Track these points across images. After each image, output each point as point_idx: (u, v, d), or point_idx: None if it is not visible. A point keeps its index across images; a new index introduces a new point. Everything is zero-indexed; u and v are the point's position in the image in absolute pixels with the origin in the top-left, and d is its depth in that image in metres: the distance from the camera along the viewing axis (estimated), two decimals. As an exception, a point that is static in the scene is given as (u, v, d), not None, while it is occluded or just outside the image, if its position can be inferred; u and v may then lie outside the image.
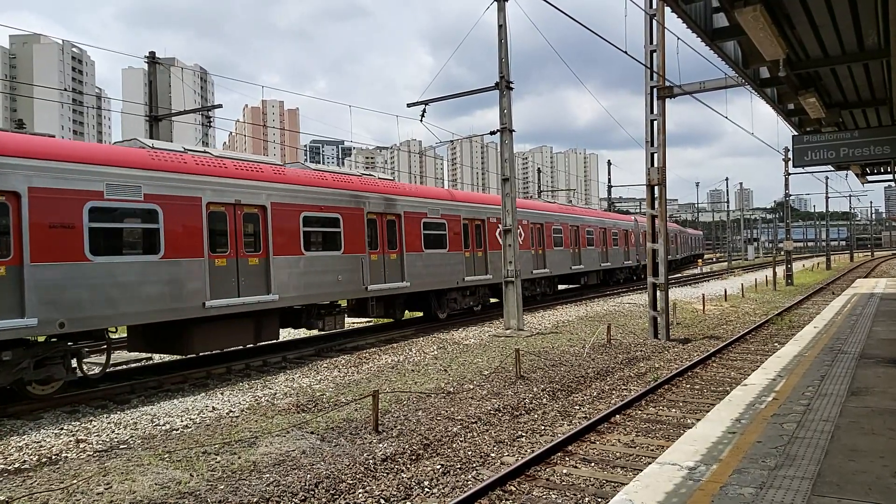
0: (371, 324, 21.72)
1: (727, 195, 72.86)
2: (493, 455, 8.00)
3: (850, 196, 68.67)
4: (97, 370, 13.88)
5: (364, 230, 16.64)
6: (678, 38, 16.44)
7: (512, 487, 6.89)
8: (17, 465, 7.76)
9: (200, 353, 13.73)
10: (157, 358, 15.37)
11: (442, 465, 7.58)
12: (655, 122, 17.16)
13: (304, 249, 14.77)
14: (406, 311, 20.27)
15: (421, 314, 21.24)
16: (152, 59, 21.75)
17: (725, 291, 29.86)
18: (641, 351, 15.35)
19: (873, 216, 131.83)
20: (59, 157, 10.49)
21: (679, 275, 47.06)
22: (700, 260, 67.21)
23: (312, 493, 6.71)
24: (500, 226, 22.45)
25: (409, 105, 19.57)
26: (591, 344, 15.53)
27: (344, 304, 17.87)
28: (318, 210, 15.26)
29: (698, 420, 7.61)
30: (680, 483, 5.23)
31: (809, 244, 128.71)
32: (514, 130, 18.50)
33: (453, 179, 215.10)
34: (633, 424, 9.27)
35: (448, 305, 20.76)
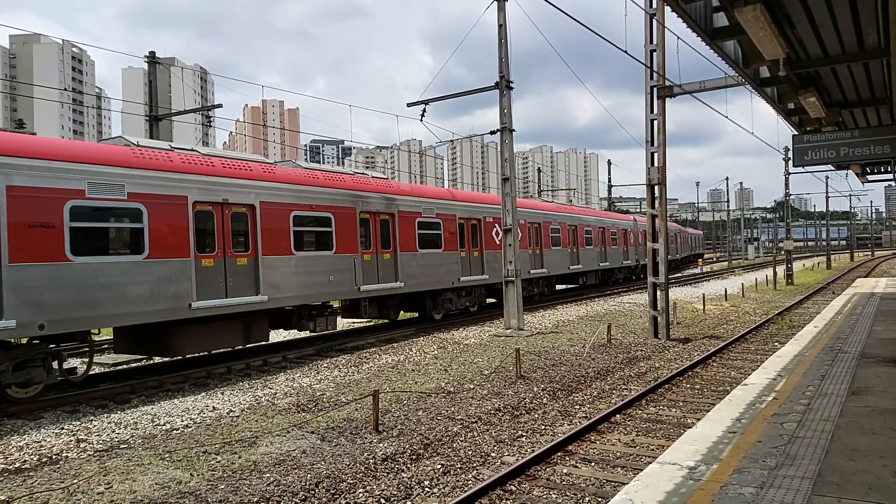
0: (371, 324, 21.68)
1: (727, 195, 72.88)
2: (493, 455, 8.00)
3: (850, 195, 68.71)
4: (97, 370, 13.89)
5: (356, 230, 16.42)
6: (678, 38, 16.42)
7: (512, 487, 6.89)
8: (17, 465, 7.76)
9: (187, 356, 13.52)
10: (158, 358, 15.37)
11: (442, 464, 7.58)
12: (655, 122, 17.15)
13: (295, 249, 14.55)
14: (401, 312, 20.11)
15: (416, 315, 21.06)
16: (152, 59, 21.75)
17: (726, 291, 29.86)
18: (642, 350, 15.35)
19: (873, 216, 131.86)
20: (38, 154, 10.24)
21: (679, 274, 47.05)
22: (700, 259, 67.21)
23: (313, 492, 6.71)
24: (496, 225, 22.34)
25: (409, 105, 19.57)
26: (592, 343, 15.53)
27: (336, 304, 17.69)
28: (308, 209, 15.04)
29: (699, 420, 7.61)
30: (680, 483, 5.23)
31: (810, 244, 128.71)
32: (514, 130, 18.50)
33: (453, 179, 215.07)
34: (634, 424, 9.27)
35: (443, 306, 20.59)
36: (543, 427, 9.17)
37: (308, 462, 7.55)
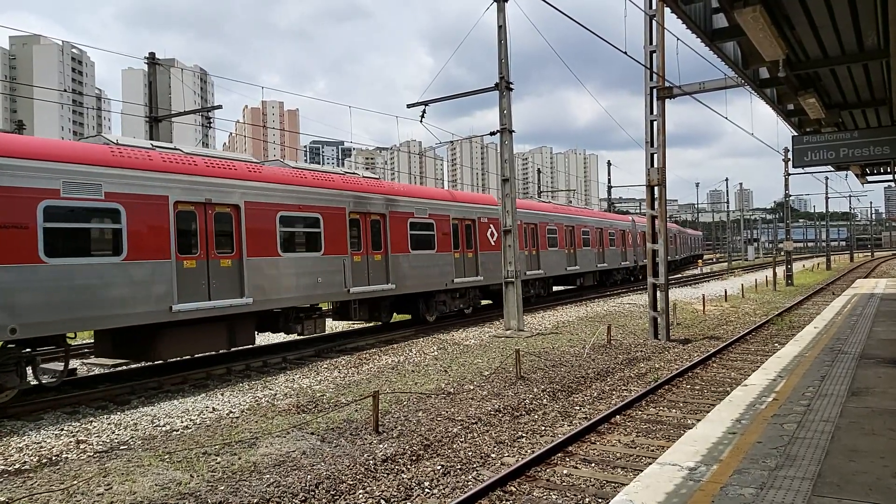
0: (371, 325, 21.65)
1: (727, 195, 72.91)
2: (493, 455, 8.00)
3: (849, 196, 68.77)
4: (97, 371, 13.88)
5: (346, 230, 16.10)
6: (678, 39, 16.42)
7: (512, 488, 6.89)
8: (17, 466, 7.75)
9: (169, 360, 13.25)
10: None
11: (442, 465, 7.58)
12: (655, 123, 17.16)
13: (282, 250, 14.25)
14: (394, 315, 19.84)
15: (409, 317, 20.77)
16: (152, 60, 21.77)
17: (725, 292, 29.86)
18: (642, 351, 15.36)
19: (873, 216, 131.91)
20: (10, 153, 9.93)
21: (679, 275, 47.05)
22: (700, 261, 67.22)
23: (313, 493, 6.71)
24: (491, 226, 22.10)
25: (409, 106, 19.59)
26: (592, 344, 15.53)
27: (325, 307, 17.39)
28: (296, 209, 14.73)
29: (699, 420, 7.61)
30: (680, 483, 5.23)
31: (809, 244, 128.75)
32: (513, 131, 18.50)
33: (453, 180, 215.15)
34: (634, 425, 9.27)
35: (437, 308, 20.28)
36: (543, 428, 9.17)
37: (308, 463, 7.55)
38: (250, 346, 14.61)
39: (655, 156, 17.16)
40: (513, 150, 18.81)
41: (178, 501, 6.45)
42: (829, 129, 17.17)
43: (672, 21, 16.59)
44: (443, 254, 19.86)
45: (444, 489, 6.92)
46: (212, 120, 28.02)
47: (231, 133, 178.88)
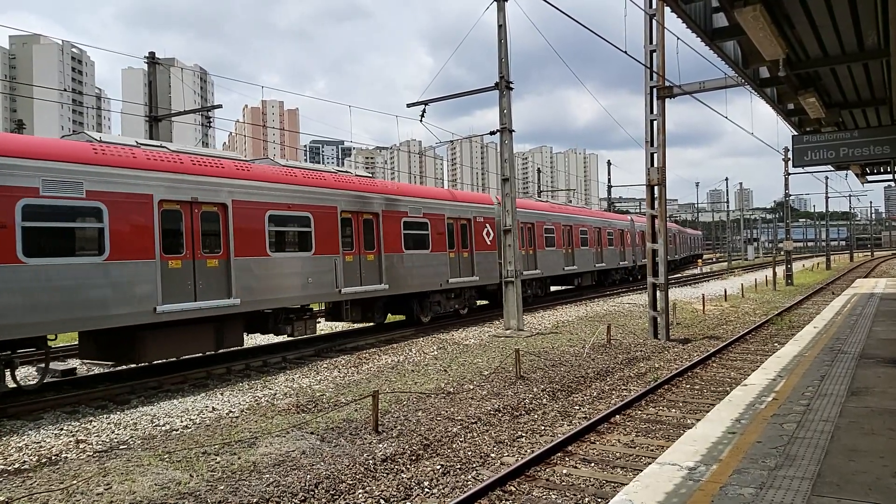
0: (370, 325, 21.58)
1: (727, 195, 72.92)
2: (493, 455, 8.00)
3: (849, 196, 68.70)
4: (98, 371, 13.86)
5: (337, 230, 15.83)
6: (678, 38, 16.44)
7: (512, 488, 6.89)
8: (16, 466, 7.75)
9: (153, 362, 13.01)
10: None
11: (442, 465, 7.58)
12: (655, 122, 17.16)
13: (270, 250, 13.98)
14: (388, 315, 19.62)
15: (403, 318, 20.46)
16: (152, 60, 21.76)
17: (725, 291, 29.86)
18: (641, 351, 15.35)
19: (873, 216, 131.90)
20: None
21: (679, 275, 47.04)
22: (699, 260, 67.21)
23: (312, 493, 6.70)
24: (487, 225, 21.89)
25: (408, 105, 19.58)
26: (591, 344, 15.53)
27: (316, 307, 17.08)
28: (285, 208, 14.45)
29: (698, 420, 7.60)
30: (680, 483, 5.23)
31: (809, 244, 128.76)
32: (513, 130, 18.50)
33: (453, 180, 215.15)
34: (633, 425, 9.27)
35: (431, 309, 20.02)
36: (543, 427, 9.17)
37: (307, 463, 7.55)
38: (238, 347, 14.30)
39: (655, 155, 17.16)
40: (513, 149, 18.80)
41: (178, 501, 6.45)
42: (829, 129, 17.16)
43: (672, 20, 16.58)
44: (437, 253, 19.60)
45: (443, 489, 6.91)
46: (212, 119, 28.05)
47: (231, 133, 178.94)
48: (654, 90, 17.14)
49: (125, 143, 12.10)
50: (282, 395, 11.25)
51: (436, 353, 15.17)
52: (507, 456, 7.95)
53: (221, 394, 11.52)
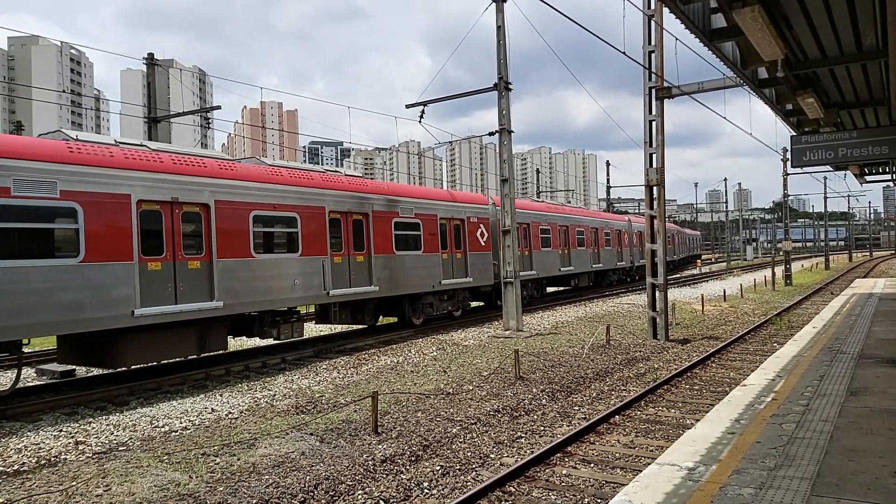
0: (376, 324, 21.45)
1: (726, 195, 72.99)
2: (492, 456, 7.99)
3: (848, 196, 68.78)
4: (96, 372, 13.84)
5: (325, 230, 15.50)
6: (676, 39, 16.46)
7: (511, 488, 6.89)
8: (15, 467, 7.74)
9: (132, 367, 12.72)
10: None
11: (441, 466, 7.58)
12: (654, 123, 17.17)
13: (255, 251, 13.65)
14: (380, 318, 19.39)
15: (395, 320, 20.22)
16: (151, 61, 21.76)
17: (724, 292, 29.87)
18: (641, 351, 15.36)
19: (872, 216, 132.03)
20: None
21: (678, 275, 47.06)
22: (698, 260, 67.24)
23: (311, 494, 6.70)
24: (481, 226, 21.68)
25: (407, 106, 19.58)
26: (591, 345, 15.53)
27: (304, 310, 16.75)
28: (271, 209, 14.11)
29: (697, 420, 7.61)
30: (679, 483, 5.23)
31: (808, 244, 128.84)
32: (512, 131, 18.51)
33: (452, 180, 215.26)
34: (633, 425, 9.27)
35: (423, 310, 19.71)
36: (542, 428, 9.17)
37: (307, 464, 7.55)
38: (222, 351, 13.98)
39: (654, 156, 17.17)
40: (511, 150, 18.81)
41: (177, 502, 6.45)
42: (827, 129, 17.19)
43: (671, 21, 16.61)
44: (430, 254, 19.30)
45: (443, 490, 6.91)
46: (210, 120, 28.02)
47: (230, 134, 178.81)
48: (653, 91, 17.15)
49: (103, 141, 11.80)
50: (281, 396, 11.25)
51: (435, 353, 15.17)
52: (507, 456, 7.95)
53: (220, 395, 11.52)
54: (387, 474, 7.32)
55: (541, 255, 26.39)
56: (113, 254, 11.08)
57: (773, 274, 35.64)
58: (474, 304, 23.59)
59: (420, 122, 19.87)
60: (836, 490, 4.91)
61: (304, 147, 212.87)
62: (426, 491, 6.88)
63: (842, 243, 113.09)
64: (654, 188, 17.43)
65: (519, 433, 8.91)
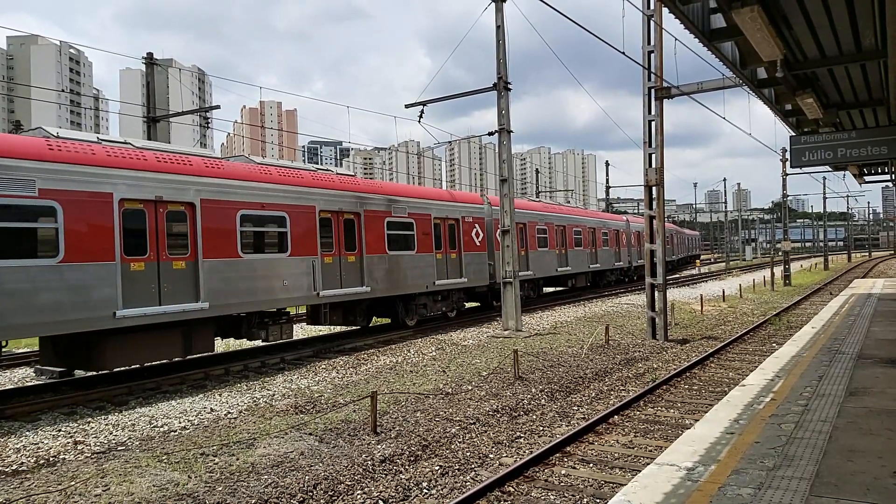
0: (375, 324, 21.44)
1: (725, 195, 73.06)
2: (491, 456, 7.99)
3: (847, 196, 68.80)
4: (94, 373, 13.81)
5: (316, 230, 15.25)
6: (676, 39, 16.50)
7: (510, 488, 6.89)
8: (14, 467, 7.74)
9: (115, 370, 12.42)
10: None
11: (440, 466, 7.58)
12: (653, 123, 17.17)
13: (242, 251, 13.39)
14: (374, 318, 19.22)
15: (388, 321, 20.01)
16: (150, 61, 21.73)
17: (723, 292, 29.88)
18: (640, 351, 15.36)
19: (871, 216, 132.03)
20: None
21: (677, 275, 47.06)
22: (697, 261, 67.26)
23: (311, 494, 6.70)
24: (476, 225, 21.52)
25: (407, 106, 19.58)
26: (590, 345, 15.54)
27: (293, 311, 16.37)
28: (259, 208, 13.86)
29: (697, 421, 7.61)
30: (678, 484, 5.23)
31: (807, 244, 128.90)
32: (512, 131, 18.51)
33: (451, 180, 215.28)
34: (632, 425, 9.27)
35: (417, 311, 19.44)
36: (542, 428, 9.17)
37: (306, 464, 7.54)
38: (209, 353, 13.69)
39: (653, 156, 17.18)
40: (511, 150, 18.81)
41: (176, 502, 6.44)
42: (826, 130, 17.20)
43: (670, 21, 16.62)
44: (423, 254, 19.07)
45: (442, 490, 6.91)
46: (210, 120, 28.00)
47: (229, 133, 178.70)
48: (652, 91, 17.16)
49: (85, 139, 11.58)
50: (280, 395, 11.24)
51: (434, 353, 15.17)
52: (506, 456, 7.95)
53: (220, 395, 11.51)
54: (386, 474, 7.32)
55: (537, 255, 26.21)
56: (94, 254, 10.83)
57: (772, 274, 35.67)
58: (469, 304, 23.46)
59: (419, 121, 19.89)
60: (835, 490, 4.91)
61: (304, 147, 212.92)
62: (425, 491, 6.87)
63: (841, 243, 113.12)
64: (654, 188, 17.43)
65: (518, 433, 8.91)
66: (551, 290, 32.23)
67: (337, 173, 17.05)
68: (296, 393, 11.40)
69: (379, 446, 8.16)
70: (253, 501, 6.46)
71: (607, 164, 54.65)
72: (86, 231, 10.76)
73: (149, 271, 11.73)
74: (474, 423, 9.26)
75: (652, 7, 16.78)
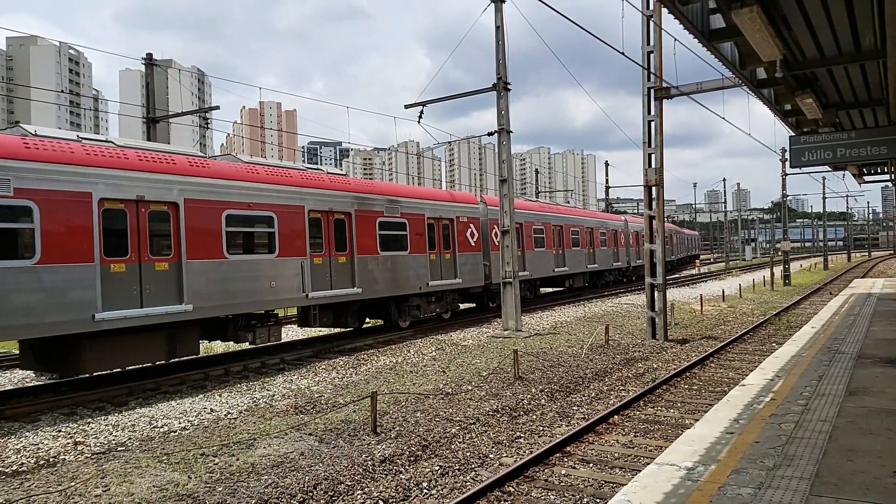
0: (370, 325, 21.50)
1: (724, 195, 72.97)
2: (491, 456, 8.00)
3: (847, 196, 68.81)
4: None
5: (305, 231, 14.97)
6: (675, 40, 16.50)
7: (510, 488, 6.89)
8: (14, 468, 7.74)
9: (95, 374, 12.18)
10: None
11: (440, 466, 7.58)
12: (653, 123, 17.18)
13: (228, 252, 13.11)
14: (367, 320, 19.00)
15: (381, 323, 19.84)
16: (150, 61, 21.74)
17: (723, 292, 29.89)
18: (640, 351, 15.37)
19: (870, 216, 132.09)
20: None
21: (676, 275, 47.07)
22: (697, 261, 67.26)
23: (311, 494, 6.70)
24: (471, 225, 21.35)
25: (406, 106, 19.57)
26: (590, 345, 15.54)
27: (282, 313, 16.03)
28: (245, 207, 13.57)
29: (696, 420, 7.61)
30: (678, 483, 5.23)
31: (807, 244, 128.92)
32: (511, 131, 18.51)
33: (451, 181, 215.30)
34: (632, 425, 9.27)
35: (410, 313, 19.17)
36: (542, 428, 9.17)
37: (306, 464, 7.55)
38: (194, 356, 13.52)
39: (653, 156, 17.18)
40: (510, 150, 18.82)
41: (176, 503, 6.44)
42: (826, 130, 17.21)
43: (669, 22, 16.63)
44: (416, 255, 18.77)
45: (442, 490, 6.91)
46: (209, 121, 27.99)
47: (229, 134, 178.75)
48: (652, 91, 17.17)
49: (64, 137, 11.32)
50: (280, 396, 11.24)
51: (434, 353, 15.17)
52: (506, 456, 7.96)
53: (219, 395, 11.51)
54: (386, 474, 7.32)
55: (534, 255, 25.99)
56: (72, 255, 10.54)
57: (772, 274, 35.68)
58: (464, 305, 23.29)
59: (419, 122, 19.91)
60: (835, 490, 4.91)
61: (303, 147, 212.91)
62: (425, 491, 6.88)
63: (840, 243, 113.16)
64: (653, 188, 17.44)
65: (518, 433, 8.91)
66: (549, 290, 32.18)
67: (328, 172, 16.83)
68: (296, 393, 11.40)
69: (379, 446, 8.16)
70: (253, 502, 6.46)
71: (607, 164, 54.67)
72: (63, 231, 10.50)
73: (130, 273, 11.46)
74: (474, 423, 9.26)
75: (651, 7, 16.79)
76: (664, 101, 17.27)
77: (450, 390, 11.17)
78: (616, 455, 7.96)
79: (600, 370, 13.05)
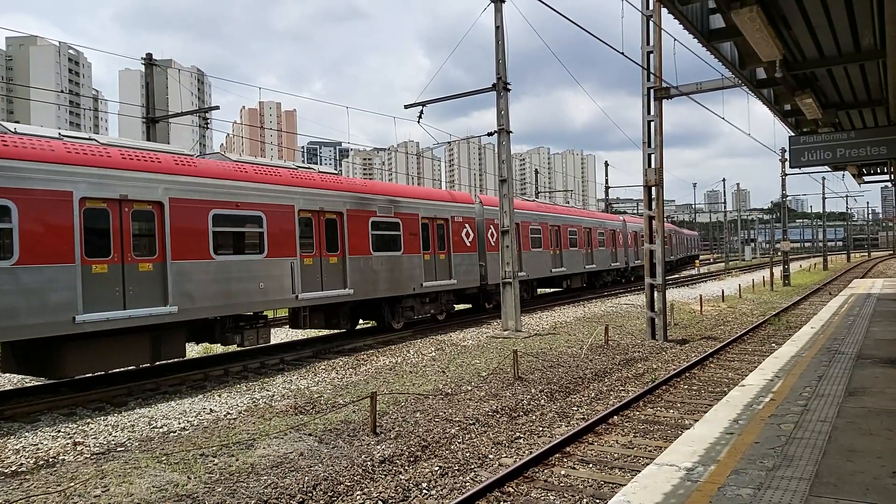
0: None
1: (724, 196, 72.94)
2: (491, 456, 7.99)
3: (846, 196, 68.83)
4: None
5: (294, 231, 14.71)
6: (675, 40, 16.52)
7: (510, 489, 6.89)
8: (13, 468, 7.73)
9: (76, 377, 11.90)
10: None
11: (440, 466, 7.57)
12: (652, 124, 17.18)
13: (215, 253, 12.87)
14: (359, 321, 18.88)
15: (374, 324, 19.67)
16: (149, 61, 21.73)
17: (723, 292, 29.90)
18: (639, 352, 15.37)
19: (870, 216, 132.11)
20: None
21: (676, 276, 47.08)
22: (697, 261, 67.26)
23: (310, 495, 6.70)
24: (466, 225, 21.19)
25: (406, 106, 19.57)
26: (589, 345, 15.54)
27: (271, 314, 15.79)
28: (233, 207, 13.31)
29: (696, 421, 7.61)
30: (678, 484, 5.23)
31: (806, 245, 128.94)
32: (511, 132, 18.52)
33: (451, 181, 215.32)
34: (631, 425, 9.27)
35: (404, 314, 18.93)
36: (541, 428, 9.17)
37: (305, 464, 7.54)
38: (179, 358, 13.29)
39: (653, 156, 17.19)
40: (510, 150, 18.82)
41: (176, 503, 6.44)
42: (826, 130, 17.21)
43: (669, 22, 16.63)
44: (410, 255, 18.53)
45: (441, 490, 6.91)
46: (209, 121, 27.98)
47: (228, 134, 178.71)
48: (652, 91, 17.17)
49: (45, 135, 11.03)
50: (279, 396, 11.24)
51: (434, 354, 15.17)
52: (506, 457, 7.95)
53: (219, 395, 11.51)
54: (385, 475, 7.32)
55: (531, 255, 25.79)
56: (51, 255, 10.30)
57: (772, 274, 35.69)
58: (459, 306, 23.15)
59: (419, 122, 19.90)
60: (835, 490, 4.91)
61: (303, 147, 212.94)
62: (425, 491, 6.87)
63: (840, 244, 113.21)
64: (653, 188, 17.44)
65: (517, 433, 8.91)
66: (544, 291, 32.09)
67: (319, 171, 16.53)
68: (295, 393, 11.40)
69: (378, 447, 8.16)
70: (252, 502, 6.46)
71: (606, 164, 54.67)
72: (43, 231, 10.26)
73: (112, 274, 11.19)
74: (474, 424, 9.26)
75: (651, 7, 16.79)
76: (664, 101, 17.28)
77: (449, 391, 11.17)
78: (616, 455, 7.96)
79: (600, 370, 13.05)
